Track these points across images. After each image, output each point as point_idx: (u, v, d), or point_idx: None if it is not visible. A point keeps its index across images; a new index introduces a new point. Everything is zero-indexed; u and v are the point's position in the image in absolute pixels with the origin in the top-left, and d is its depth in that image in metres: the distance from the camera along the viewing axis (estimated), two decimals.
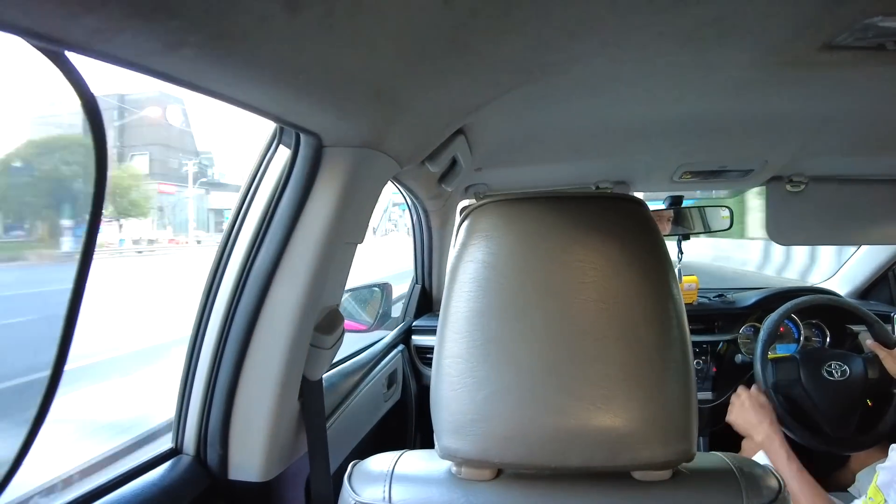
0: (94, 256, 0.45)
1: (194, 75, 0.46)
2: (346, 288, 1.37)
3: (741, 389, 1.33)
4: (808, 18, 0.59)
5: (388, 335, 1.49)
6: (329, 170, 0.71)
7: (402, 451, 0.60)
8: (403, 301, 1.70)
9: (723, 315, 1.69)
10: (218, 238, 0.82)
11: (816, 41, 0.64)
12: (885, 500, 0.87)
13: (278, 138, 0.73)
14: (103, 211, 0.46)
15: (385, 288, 1.48)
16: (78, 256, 0.44)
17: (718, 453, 0.58)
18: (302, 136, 0.69)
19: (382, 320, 1.48)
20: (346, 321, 1.29)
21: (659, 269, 0.52)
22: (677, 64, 0.72)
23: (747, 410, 1.27)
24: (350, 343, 1.30)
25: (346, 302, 1.40)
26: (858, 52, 0.66)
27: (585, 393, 0.49)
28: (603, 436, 0.49)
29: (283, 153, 0.73)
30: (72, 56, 0.38)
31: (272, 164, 0.74)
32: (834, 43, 0.63)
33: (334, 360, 1.14)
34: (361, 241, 0.82)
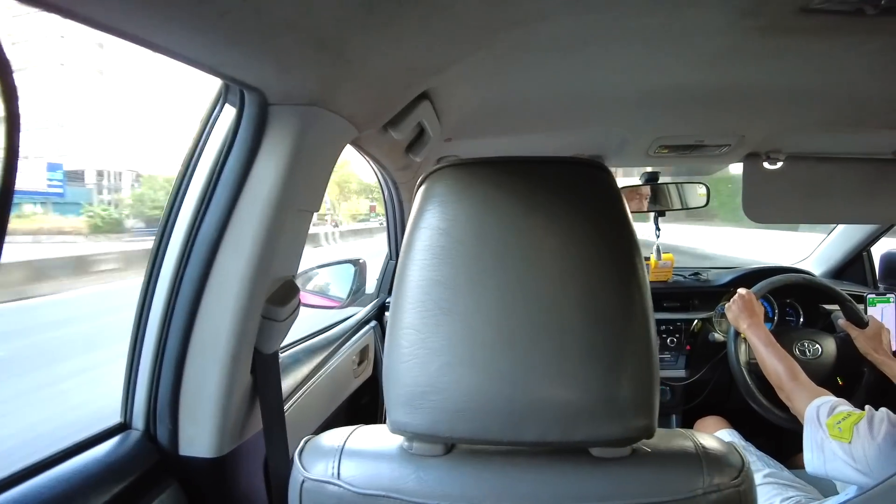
0: None
1: (98, 12, 0.42)
2: (320, 263, 1.34)
3: (741, 290, 1.44)
4: None
5: (361, 311, 1.47)
6: (276, 130, 0.67)
7: (356, 427, 0.58)
8: (377, 277, 1.67)
9: (698, 293, 1.70)
10: None
11: (794, 4, 0.61)
12: (850, 441, 0.88)
13: (224, 97, 0.69)
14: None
15: (359, 264, 1.45)
16: None
17: (683, 431, 0.56)
18: (246, 93, 0.65)
19: (356, 296, 1.45)
20: (319, 297, 1.27)
21: (622, 239, 0.50)
22: (649, 26, 0.70)
23: (738, 307, 1.40)
24: (324, 319, 1.29)
25: (320, 278, 1.37)
26: (836, 18, 0.64)
27: (541, 365, 0.47)
28: (559, 410, 0.47)
29: (230, 113, 0.69)
30: None
31: (217, 125, 0.70)
32: (812, 6, 0.61)
33: (303, 336, 1.12)
34: (317, 210, 0.79)
